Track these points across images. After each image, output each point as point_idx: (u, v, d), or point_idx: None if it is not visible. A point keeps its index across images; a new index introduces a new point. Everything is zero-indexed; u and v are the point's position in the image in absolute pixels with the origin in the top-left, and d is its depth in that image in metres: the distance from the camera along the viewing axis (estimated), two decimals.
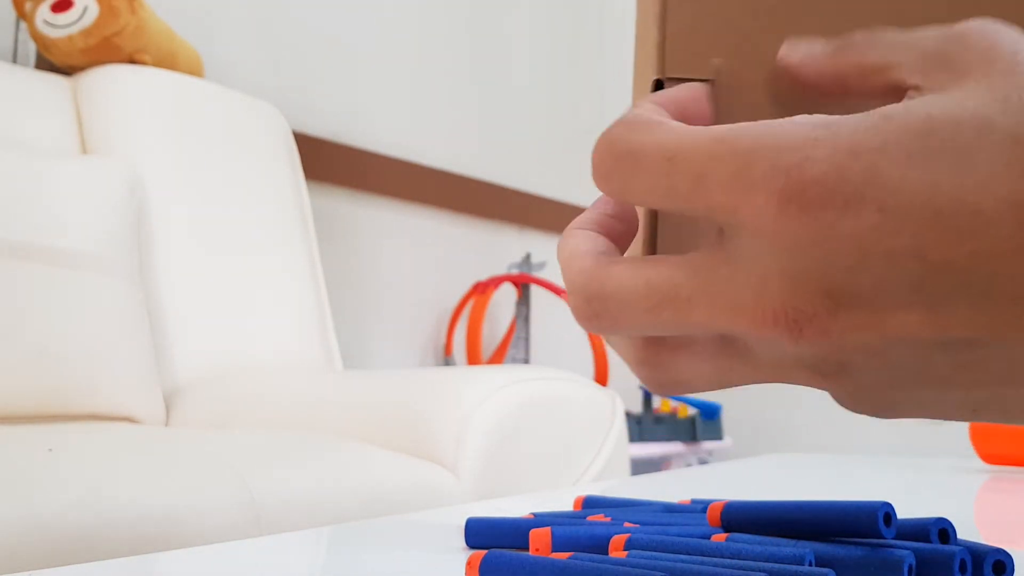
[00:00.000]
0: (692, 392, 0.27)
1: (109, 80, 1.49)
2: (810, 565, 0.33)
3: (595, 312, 0.25)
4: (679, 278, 0.24)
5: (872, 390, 0.25)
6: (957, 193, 0.22)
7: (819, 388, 0.26)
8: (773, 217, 0.23)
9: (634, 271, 0.25)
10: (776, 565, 0.33)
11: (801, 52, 0.26)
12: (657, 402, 2.50)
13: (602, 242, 0.27)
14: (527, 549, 0.39)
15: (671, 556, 0.34)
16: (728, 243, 0.24)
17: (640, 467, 2.22)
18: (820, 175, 0.22)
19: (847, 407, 0.26)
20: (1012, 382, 0.24)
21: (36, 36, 1.50)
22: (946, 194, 0.22)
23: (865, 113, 0.23)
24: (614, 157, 0.25)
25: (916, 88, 0.24)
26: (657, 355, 0.26)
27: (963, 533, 0.37)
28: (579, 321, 0.26)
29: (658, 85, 0.28)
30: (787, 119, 0.23)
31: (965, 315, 0.22)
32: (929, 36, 0.24)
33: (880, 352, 0.23)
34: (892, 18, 0.28)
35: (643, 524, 0.41)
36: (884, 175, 0.22)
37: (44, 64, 1.56)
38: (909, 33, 0.25)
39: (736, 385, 0.26)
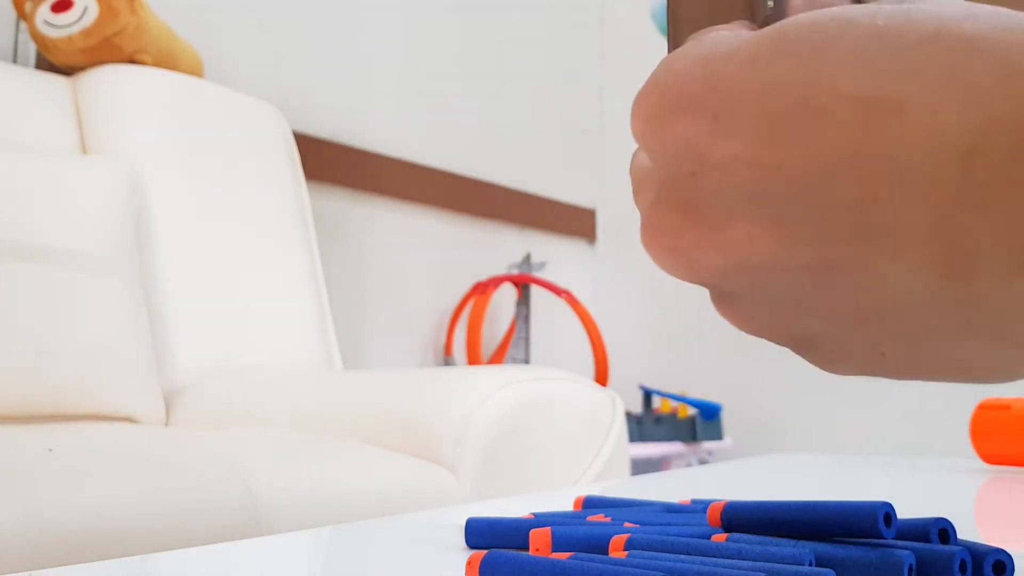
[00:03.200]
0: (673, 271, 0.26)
1: (109, 80, 1.49)
2: (810, 565, 0.33)
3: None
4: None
5: (765, 320, 0.24)
6: (796, 93, 0.21)
7: (732, 324, 0.25)
8: (640, 125, 0.23)
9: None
10: (776, 565, 0.33)
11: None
12: (657, 402, 2.50)
13: None
14: (527, 549, 0.39)
15: (671, 556, 0.34)
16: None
17: (640, 467, 2.22)
18: (670, 82, 0.23)
19: (773, 340, 0.25)
20: (897, 312, 0.21)
21: (36, 36, 1.50)
22: (785, 95, 0.21)
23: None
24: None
25: None
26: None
27: (963, 533, 0.37)
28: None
29: None
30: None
31: (811, 231, 0.21)
32: None
33: (740, 274, 0.23)
34: None
35: (643, 524, 0.41)
36: (723, 81, 0.22)
37: (44, 64, 1.56)
38: None
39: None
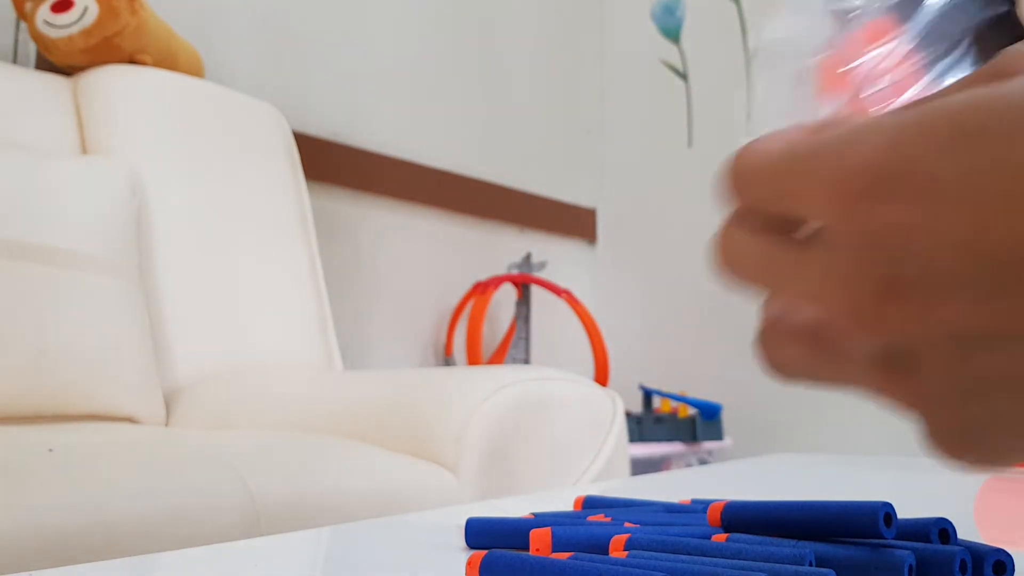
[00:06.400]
0: (790, 379, 0.28)
1: (109, 80, 1.49)
2: (810, 565, 0.33)
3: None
4: (783, 256, 0.26)
5: (946, 403, 0.24)
6: (996, 178, 0.21)
7: (900, 406, 0.26)
8: (832, 210, 0.24)
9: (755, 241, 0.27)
10: (776, 565, 0.33)
11: None
12: (657, 402, 2.50)
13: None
14: (527, 549, 0.39)
15: (671, 556, 0.34)
16: (819, 236, 0.25)
17: (640, 467, 2.22)
18: (862, 169, 0.23)
19: (935, 443, 0.25)
20: None
21: (36, 36, 1.50)
22: (984, 180, 0.21)
23: (911, 108, 0.23)
24: (735, 170, 0.27)
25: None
26: (770, 335, 0.28)
27: (963, 533, 0.37)
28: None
29: None
30: (862, 120, 0.24)
31: (1017, 308, 0.22)
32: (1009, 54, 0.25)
33: (941, 345, 0.23)
34: None
35: (643, 524, 0.41)
36: (920, 166, 0.22)
37: (44, 64, 1.56)
38: None
39: (824, 382, 0.27)
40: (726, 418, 2.56)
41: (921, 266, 0.22)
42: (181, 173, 1.50)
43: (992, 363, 0.23)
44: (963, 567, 0.33)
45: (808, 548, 0.33)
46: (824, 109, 0.29)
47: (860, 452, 2.34)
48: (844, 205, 0.23)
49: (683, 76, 2.77)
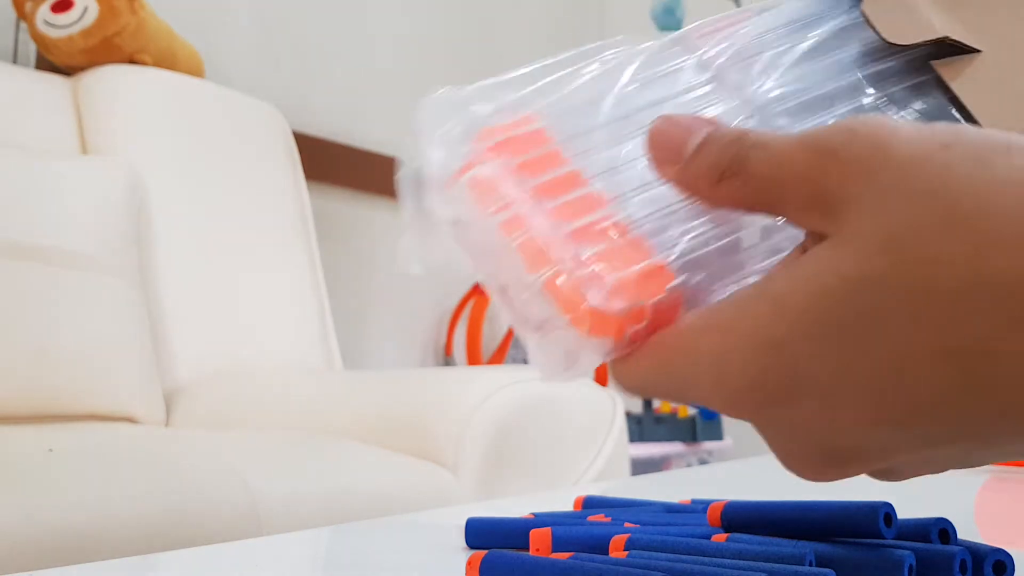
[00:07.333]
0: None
1: (109, 80, 1.49)
2: (810, 565, 0.33)
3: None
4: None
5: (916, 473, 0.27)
6: (879, 364, 0.22)
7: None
8: (745, 418, 0.25)
9: None
10: (776, 565, 0.33)
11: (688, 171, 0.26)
12: (657, 402, 2.50)
13: None
14: (527, 549, 0.39)
15: (671, 556, 0.34)
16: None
17: (640, 467, 2.21)
18: (750, 382, 0.24)
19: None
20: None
21: (36, 36, 1.50)
22: (870, 367, 0.22)
23: (760, 297, 0.24)
24: (652, 394, 0.28)
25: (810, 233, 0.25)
26: None
27: (963, 533, 0.37)
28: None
29: None
30: (714, 326, 0.25)
31: (950, 448, 0.24)
32: (808, 173, 0.24)
33: (905, 467, 0.26)
34: None
35: (643, 524, 0.41)
36: (802, 366, 0.23)
37: (44, 64, 1.56)
38: (793, 164, 0.24)
39: None
40: (726, 418, 2.56)
41: (855, 437, 0.24)
42: (181, 173, 1.50)
43: (948, 461, 0.25)
44: (963, 567, 0.33)
45: (808, 548, 0.33)
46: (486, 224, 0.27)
47: None
48: (755, 416, 0.25)
49: None
